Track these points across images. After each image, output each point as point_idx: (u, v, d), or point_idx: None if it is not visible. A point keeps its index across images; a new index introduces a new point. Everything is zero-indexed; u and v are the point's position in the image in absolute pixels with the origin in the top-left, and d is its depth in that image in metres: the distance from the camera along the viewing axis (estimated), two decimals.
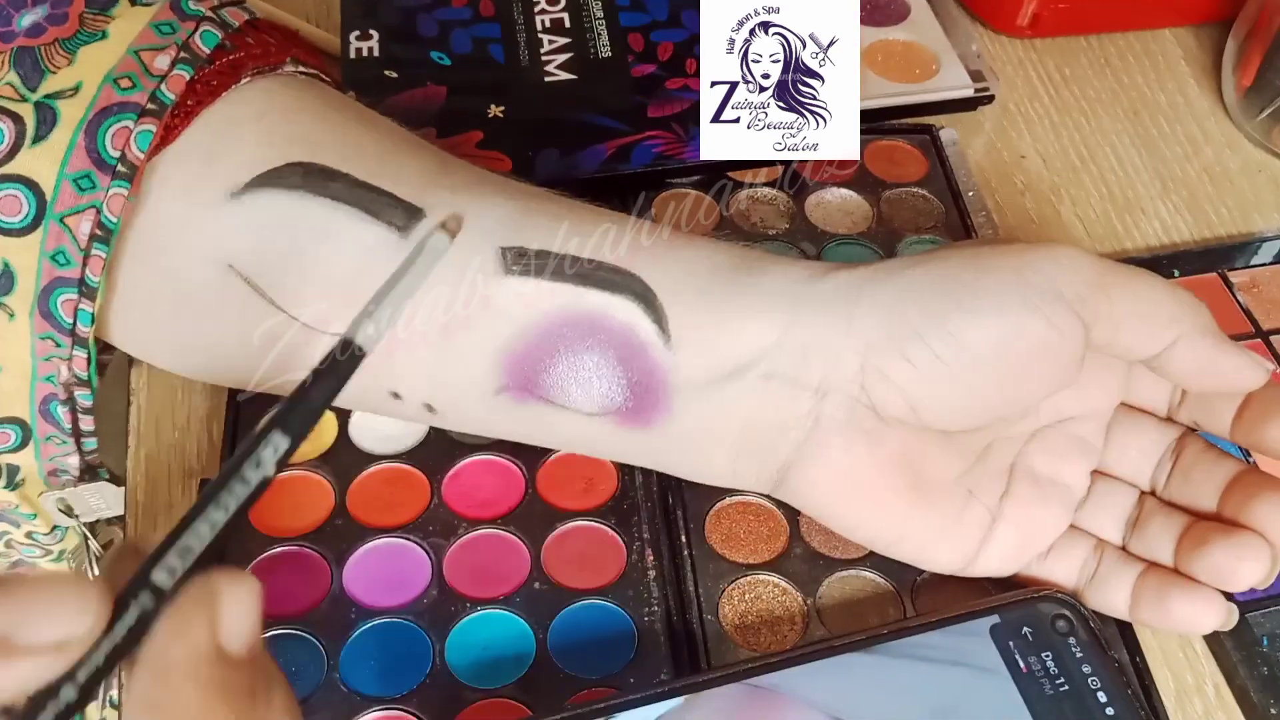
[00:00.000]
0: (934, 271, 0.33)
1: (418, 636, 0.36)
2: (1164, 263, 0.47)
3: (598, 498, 0.39)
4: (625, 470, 0.40)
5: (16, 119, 0.32)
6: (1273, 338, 0.45)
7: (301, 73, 0.37)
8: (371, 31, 0.50)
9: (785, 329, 0.33)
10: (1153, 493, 0.37)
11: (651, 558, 0.38)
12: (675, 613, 0.37)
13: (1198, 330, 0.33)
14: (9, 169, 0.32)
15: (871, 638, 0.34)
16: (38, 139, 0.32)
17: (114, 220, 0.33)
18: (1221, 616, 0.34)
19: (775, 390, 0.33)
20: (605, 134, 0.47)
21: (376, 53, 0.49)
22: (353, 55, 0.49)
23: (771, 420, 0.34)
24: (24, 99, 0.32)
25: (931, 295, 0.32)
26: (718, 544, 0.38)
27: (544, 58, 0.50)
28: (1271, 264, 0.47)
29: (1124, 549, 0.36)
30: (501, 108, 0.48)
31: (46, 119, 0.32)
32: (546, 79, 0.49)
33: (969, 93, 0.52)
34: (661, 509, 0.39)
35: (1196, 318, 0.33)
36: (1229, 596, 0.35)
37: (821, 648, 0.34)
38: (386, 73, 0.49)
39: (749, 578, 0.38)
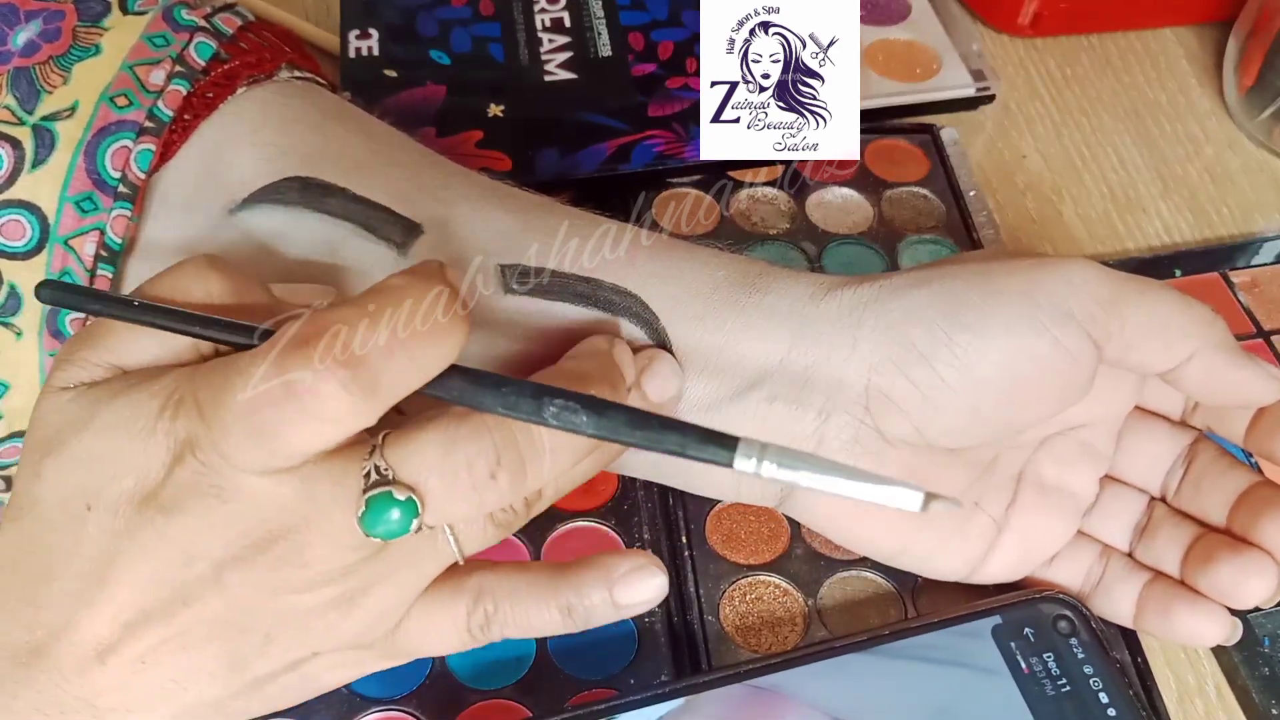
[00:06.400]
0: (939, 291, 0.32)
1: None
2: (1165, 263, 0.47)
3: (598, 498, 0.39)
4: None
5: (15, 144, 0.32)
6: (1274, 337, 0.45)
7: (297, 78, 0.37)
8: (371, 30, 0.50)
9: (788, 351, 0.33)
10: (1163, 498, 0.37)
11: None
12: (676, 613, 0.37)
13: (1212, 345, 0.32)
14: (10, 194, 0.32)
15: (873, 638, 0.34)
16: (37, 163, 0.32)
17: (119, 241, 0.33)
18: (1225, 631, 0.34)
19: (779, 412, 0.33)
20: (605, 133, 0.47)
21: (376, 52, 0.49)
22: (352, 54, 0.49)
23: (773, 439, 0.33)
24: (22, 122, 0.32)
25: (936, 316, 0.32)
26: (718, 545, 0.38)
27: (544, 57, 0.50)
28: (1273, 264, 0.47)
29: (1131, 556, 0.36)
30: (501, 107, 0.48)
31: (45, 141, 0.32)
32: (546, 78, 0.49)
33: (970, 92, 0.51)
34: (662, 510, 0.39)
35: (1211, 332, 0.32)
36: (1234, 610, 0.35)
37: (823, 648, 0.34)
38: (386, 72, 0.48)
39: (750, 578, 0.38)
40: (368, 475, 0.25)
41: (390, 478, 0.25)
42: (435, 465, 0.26)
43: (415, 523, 0.25)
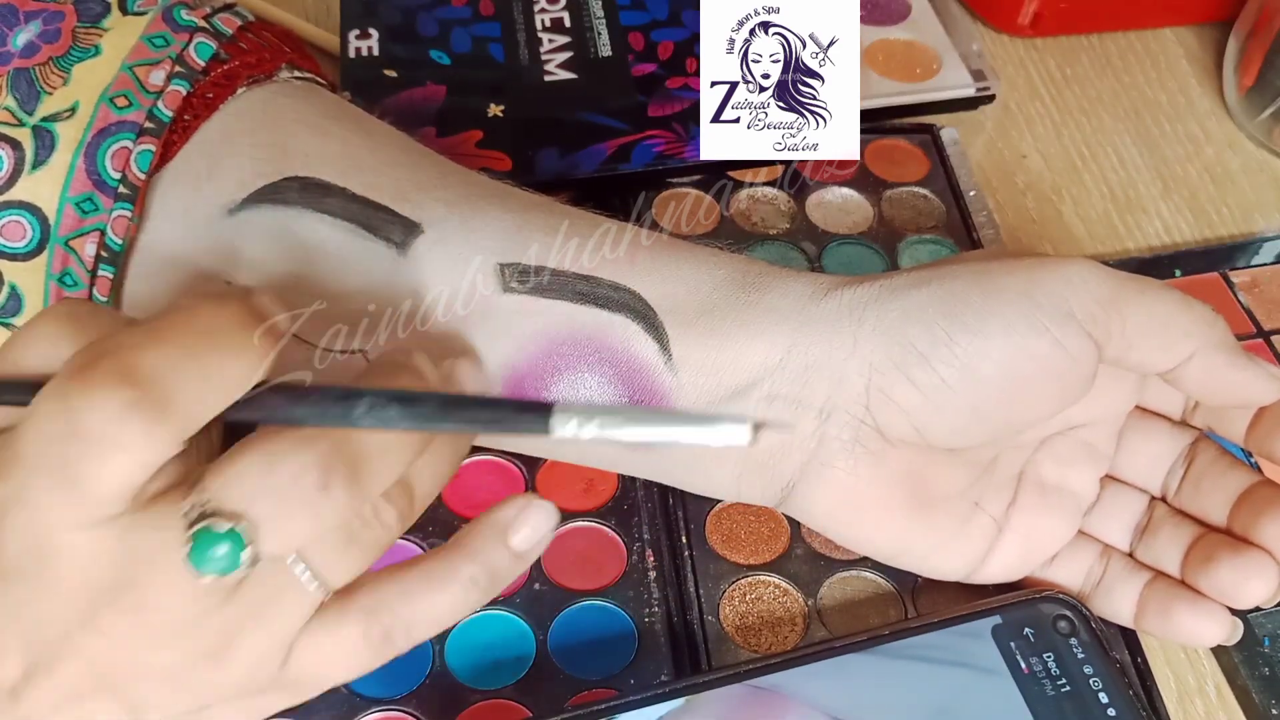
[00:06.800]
0: (940, 291, 0.32)
1: None
2: (1165, 263, 0.47)
3: (598, 498, 0.39)
4: None
5: (15, 145, 0.32)
6: (1274, 338, 0.45)
7: (297, 78, 0.37)
8: (371, 30, 0.50)
9: (788, 350, 0.33)
10: (1164, 498, 0.37)
11: (652, 558, 0.38)
12: (676, 613, 0.37)
13: (1212, 345, 0.32)
14: (10, 195, 0.32)
15: (873, 638, 0.34)
16: (37, 164, 0.32)
17: (119, 242, 0.33)
18: (1226, 631, 0.34)
19: (778, 411, 0.33)
20: (605, 133, 0.47)
21: (376, 52, 0.49)
22: (352, 54, 0.49)
23: (775, 441, 0.33)
24: (22, 123, 0.32)
25: (937, 316, 0.32)
26: (718, 545, 0.38)
27: (544, 57, 0.50)
28: (1273, 264, 0.47)
29: (1131, 556, 0.36)
30: (501, 107, 0.48)
31: (45, 143, 0.32)
32: (546, 78, 0.49)
33: (970, 92, 0.51)
34: (662, 510, 0.39)
35: (1211, 332, 0.32)
36: (1234, 610, 0.35)
37: (823, 648, 0.34)
38: (386, 72, 0.48)
39: (750, 578, 0.38)
40: (188, 514, 0.24)
41: (210, 510, 0.24)
42: (259, 488, 0.24)
43: (246, 554, 0.24)
